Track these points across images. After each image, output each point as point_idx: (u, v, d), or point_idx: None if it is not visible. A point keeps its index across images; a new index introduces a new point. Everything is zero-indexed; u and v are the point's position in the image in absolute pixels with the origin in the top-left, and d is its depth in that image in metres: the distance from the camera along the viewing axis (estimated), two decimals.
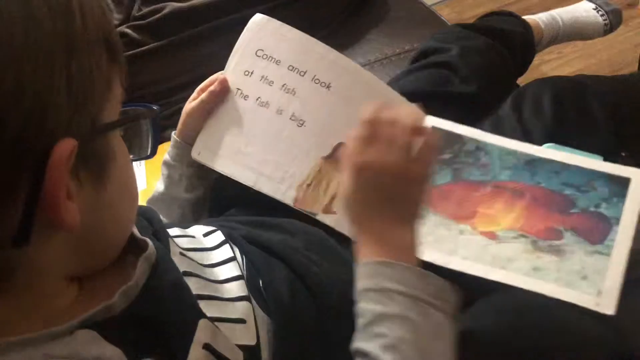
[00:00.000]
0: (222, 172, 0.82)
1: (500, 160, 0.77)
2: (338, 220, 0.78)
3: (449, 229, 0.76)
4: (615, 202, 0.76)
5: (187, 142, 0.84)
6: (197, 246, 0.66)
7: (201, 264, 0.62)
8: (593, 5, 1.41)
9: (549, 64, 1.73)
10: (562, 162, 0.77)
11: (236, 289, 0.61)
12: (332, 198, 0.79)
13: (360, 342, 0.56)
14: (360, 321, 0.57)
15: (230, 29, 1.23)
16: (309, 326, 0.64)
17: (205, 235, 0.69)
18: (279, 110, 0.81)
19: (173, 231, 0.66)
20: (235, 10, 1.24)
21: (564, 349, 0.66)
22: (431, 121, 0.78)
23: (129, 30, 1.23)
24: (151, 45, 1.21)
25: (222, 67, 1.25)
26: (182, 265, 0.58)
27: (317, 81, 0.81)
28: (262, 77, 0.83)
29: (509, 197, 0.76)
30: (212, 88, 0.83)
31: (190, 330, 0.51)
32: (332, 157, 0.80)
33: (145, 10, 1.24)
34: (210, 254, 0.65)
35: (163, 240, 0.60)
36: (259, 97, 0.82)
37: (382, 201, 0.58)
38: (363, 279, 0.58)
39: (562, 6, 1.41)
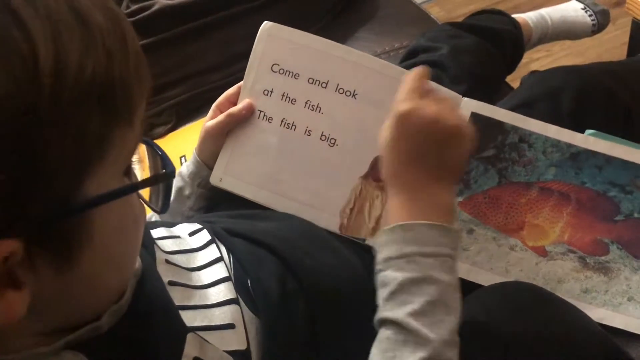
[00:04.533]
0: (253, 200, 0.78)
1: (544, 155, 0.75)
2: None
3: (500, 244, 0.75)
4: None
5: (205, 163, 0.81)
6: (183, 247, 0.64)
7: (187, 268, 0.61)
8: (581, 5, 1.42)
9: (538, 62, 1.74)
10: (605, 155, 0.74)
11: (224, 291, 0.60)
12: (378, 220, 0.76)
13: (386, 312, 0.57)
14: (384, 290, 0.58)
15: (220, 26, 1.24)
16: (299, 324, 0.64)
17: (191, 234, 0.67)
18: (307, 131, 0.77)
19: (158, 232, 0.65)
20: (225, 7, 1.24)
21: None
22: (469, 105, 0.76)
23: None
24: (140, 42, 1.20)
25: (211, 65, 1.26)
26: (167, 275, 0.57)
27: (341, 91, 0.77)
28: (283, 95, 0.78)
29: (555, 202, 0.75)
30: (234, 111, 0.78)
31: (179, 346, 0.50)
32: (371, 175, 0.76)
33: (134, 7, 1.23)
34: (196, 255, 0.64)
35: (148, 246, 0.58)
36: (283, 119, 0.78)
37: (424, 154, 0.58)
38: (385, 247, 0.58)
39: (550, 5, 1.42)
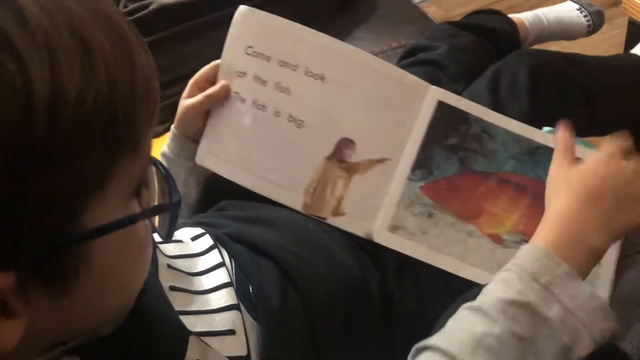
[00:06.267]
0: (230, 179, 0.80)
1: (504, 147, 0.77)
2: (349, 221, 0.77)
3: (458, 230, 0.76)
4: None
5: (185, 135, 0.82)
6: (185, 252, 0.64)
7: (188, 273, 0.61)
8: (577, 6, 1.43)
9: None
10: None
11: (225, 297, 0.60)
12: (340, 199, 0.77)
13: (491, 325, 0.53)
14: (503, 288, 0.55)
15: (218, 25, 1.23)
16: (299, 330, 0.64)
17: (194, 239, 0.68)
18: (276, 112, 0.79)
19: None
20: (223, 6, 1.23)
21: None
22: (436, 94, 0.78)
23: None
24: None
25: (208, 64, 1.26)
26: (168, 280, 0.57)
27: (310, 74, 0.78)
28: (255, 77, 0.80)
29: (513, 193, 0.76)
30: (211, 92, 0.80)
31: (180, 350, 0.50)
32: (335, 156, 0.78)
33: (132, 6, 1.23)
34: (198, 260, 0.64)
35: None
36: (255, 100, 0.80)
37: (604, 199, 0.61)
38: (530, 260, 0.56)
39: (547, 5, 1.42)
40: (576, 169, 0.65)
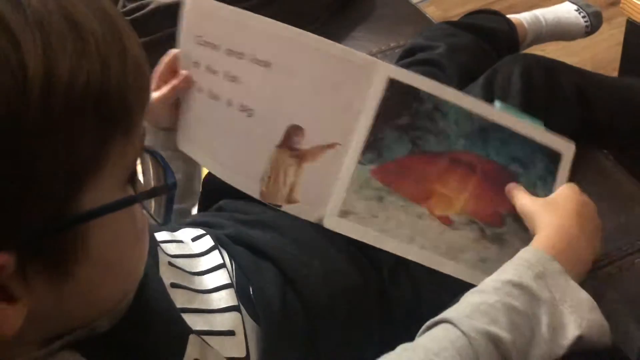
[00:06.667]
0: (203, 166, 0.81)
1: (456, 126, 0.75)
2: (302, 208, 0.75)
3: (408, 213, 0.74)
4: (549, 181, 0.76)
5: (157, 127, 0.82)
6: (186, 252, 0.64)
7: (189, 272, 0.61)
8: (575, 7, 1.43)
9: None
10: (510, 130, 0.75)
11: (225, 298, 0.60)
12: (292, 187, 0.76)
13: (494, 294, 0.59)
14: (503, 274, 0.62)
15: None
16: (299, 332, 0.64)
17: (194, 239, 0.68)
18: (228, 102, 0.77)
19: (161, 235, 0.65)
20: None
21: None
22: (387, 70, 0.74)
23: None
24: None
25: None
26: (169, 277, 0.57)
27: (255, 61, 0.76)
28: (207, 67, 0.78)
29: (463, 172, 0.75)
30: (175, 84, 0.79)
31: (180, 348, 0.50)
32: (285, 144, 0.76)
33: (130, 6, 1.23)
34: (199, 260, 0.64)
35: (152, 248, 0.57)
36: (210, 90, 0.79)
37: (584, 224, 0.68)
38: (527, 254, 0.63)
39: (545, 5, 1.42)
40: (556, 194, 0.71)
